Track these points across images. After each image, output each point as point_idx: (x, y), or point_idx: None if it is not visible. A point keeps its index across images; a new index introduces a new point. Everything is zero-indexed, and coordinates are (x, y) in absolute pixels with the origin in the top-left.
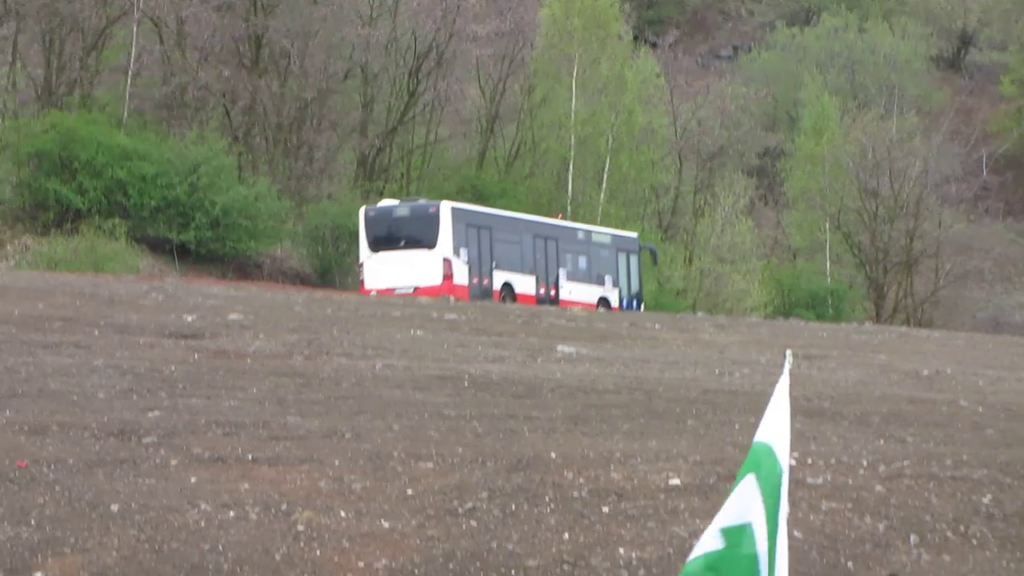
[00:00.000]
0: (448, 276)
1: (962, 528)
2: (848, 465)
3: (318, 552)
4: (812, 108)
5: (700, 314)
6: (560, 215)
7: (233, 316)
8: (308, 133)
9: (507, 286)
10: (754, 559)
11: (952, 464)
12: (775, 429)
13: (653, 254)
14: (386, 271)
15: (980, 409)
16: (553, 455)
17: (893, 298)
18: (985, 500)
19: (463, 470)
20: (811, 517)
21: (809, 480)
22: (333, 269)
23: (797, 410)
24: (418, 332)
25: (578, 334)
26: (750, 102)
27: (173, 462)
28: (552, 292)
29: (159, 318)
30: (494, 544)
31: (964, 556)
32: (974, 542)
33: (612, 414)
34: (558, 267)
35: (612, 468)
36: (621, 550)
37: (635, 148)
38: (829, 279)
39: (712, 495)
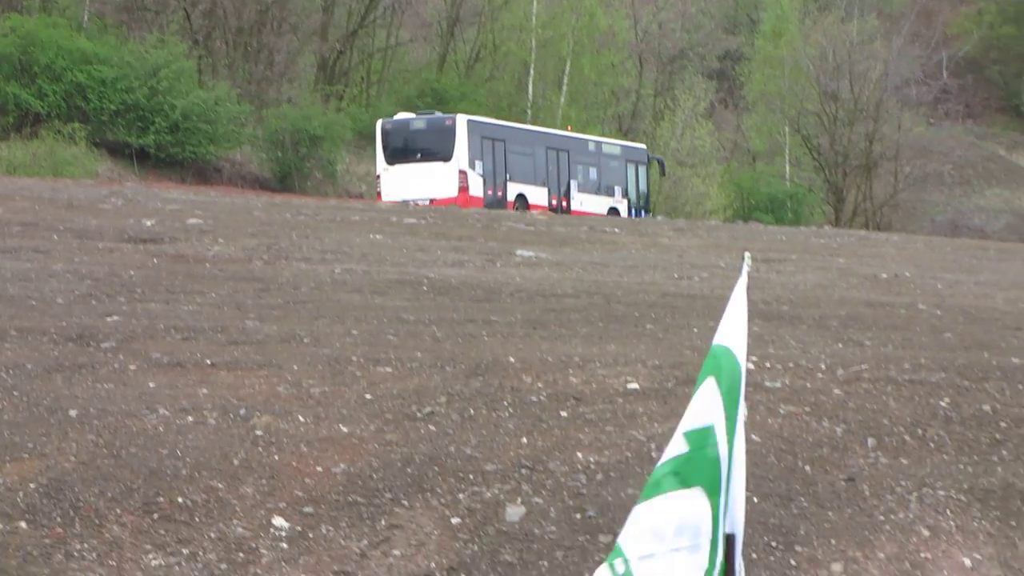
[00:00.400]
0: (464, 188)
1: (920, 431)
2: (806, 369)
3: (276, 457)
4: (772, 10)
5: (659, 218)
6: (569, 127)
7: (192, 221)
8: (268, 36)
9: (520, 197)
10: (716, 461)
11: (910, 367)
12: (733, 332)
13: (661, 165)
14: (402, 183)
15: (938, 312)
16: (512, 359)
17: (852, 201)
18: (943, 403)
19: (422, 375)
20: (769, 421)
21: (767, 383)
22: (293, 173)
23: (755, 314)
24: (377, 236)
25: (537, 238)
26: (711, 4)
27: (132, 367)
28: (564, 203)
29: (118, 223)
30: (452, 448)
31: (922, 459)
32: (932, 445)
33: (571, 318)
34: (569, 178)
35: (570, 372)
36: (579, 454)
37: (596, 51)
38: (788, 182)
39: (670, 399)
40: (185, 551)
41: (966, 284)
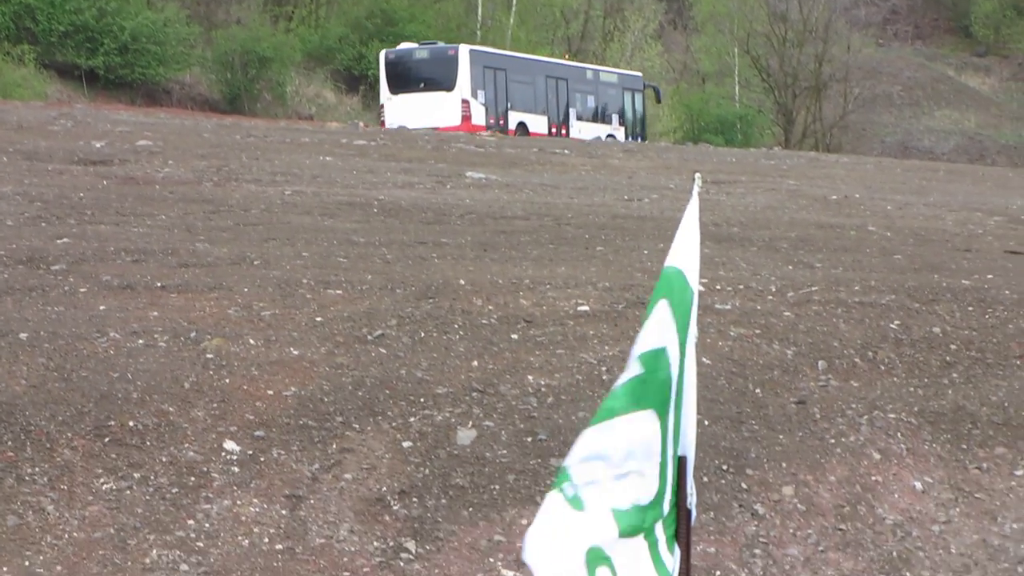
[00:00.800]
0: (467, 117)
1: (870, 354)
2: (757, 291)
3: (227, 379)
4: None
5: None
6: (567, 56)
7: (142, 142)
8: None
9: (521, 125)
10: (668, 382)
11: (860, 289)
12: (685, 254)
13: (657, 92)
14: (406, 113)
15: (888, 234)
16: (462, 282)
17: (802, 123)
18: (893, 325)
19: (372, 297)
20: (720, 343)
21: (718, 306)
22: (242, 95)
23: (705, 235)
24: (327, 158)
25: (487, 160)
26: None
27: (82, 289)
28: (563, 130)
29: (68, 145)
30: (403, 371)
31: (872, 382)
32: (882, 368)
33: (521, 240)
34: (568, 106)
35: (521, 295)
36: (530, 377)
37: None
38: (738, 104)
39: (621, 321)
40: (136, 475)
41: (916, 206)
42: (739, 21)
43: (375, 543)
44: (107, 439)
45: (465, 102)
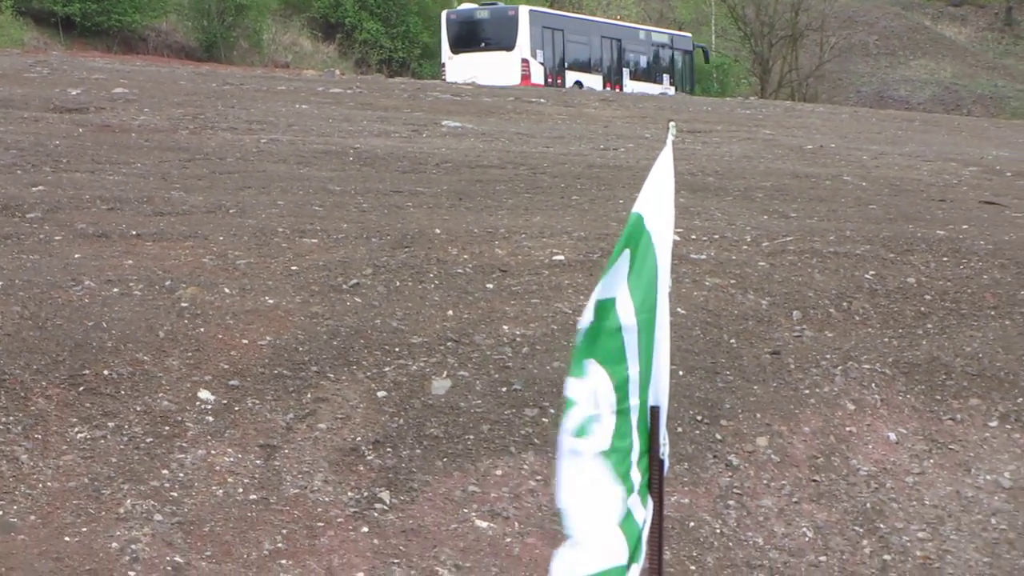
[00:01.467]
0: (526, 76)
1: (845, 304)
2: (732, 241)
3: (202, 329)
4: None
5: (586, 88)
6: (619, 17)
7: (118, 90)
8: None
9: (577, 84)
10: (616, 333)
11: (835, 239)
12: (656, 202)
13: (705, 53)
14: (467, 72)
15: (864, 184)
16: (438, 231)
17: (778, 72)
18: (868, 276)
19: (347, 246)
20: (695, 293)
21: (693, 256)
22: (218, 43)
23: (681, 185)
24: (303, 106)
25: (463, 108)
26: None
27: (57, 238)
28: (617, 89)
29: (44, 92)
30: (378, 321)
31: (847, 332)
32: (856, 318)
33: (497, 189)
34: (622, 66)
35: (496, 244)
36: (505, 327)
37: None
38: (714, 53)
39: (595, 270)
40: (111, 424)
41: (891, 155)
42: None
43: (349, 493)
44: (81, 388)
45: (525, 61)
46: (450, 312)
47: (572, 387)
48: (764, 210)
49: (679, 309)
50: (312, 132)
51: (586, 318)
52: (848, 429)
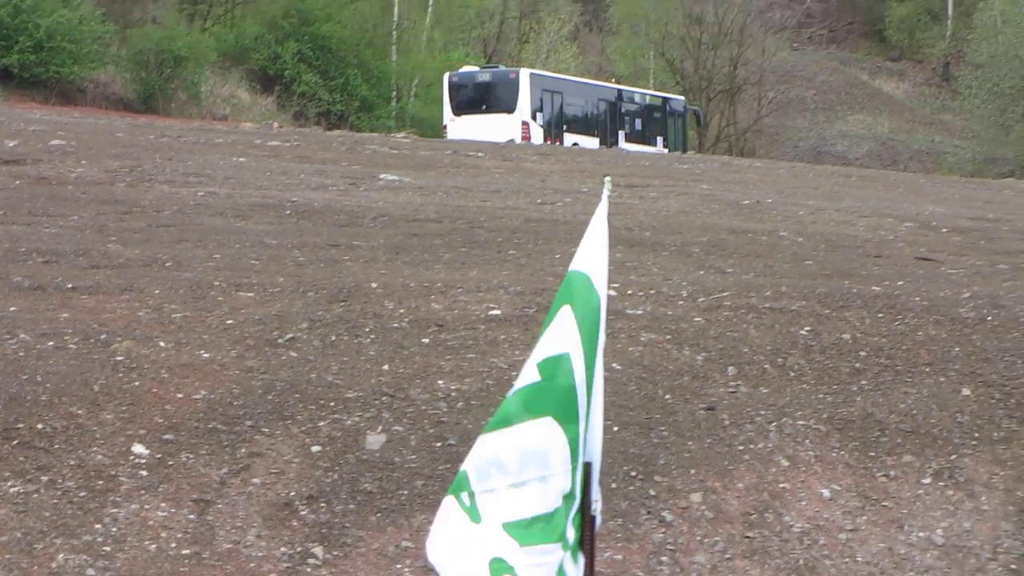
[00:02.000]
0: (526, 138)
1: (780, 360)
2: (668, 296)
3: (137, 382)
4: None
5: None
6: (611, 79)
7: (55, 142)
8: None
9: (575, 145)
10: (571, 389)
11: (771, 295)
12: (592, 258)
13: (697, 116)
14: (467, 133)
15: (800, 239)
16: (374, 285)
17: (716, 127)
18: (803, 331)
19: (284, 300)
20: (630, 348)
21: (629, 311)
22: (157, 95)
23: (618, 240)
24: (241, 159)
25: (401, 162)
26: None
27: None
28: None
29: None
30: (313, 375)
31: (781, 388)
32: (791, 374)
33: (434, 244)
34: (618, 128)
35: (433, 298)
36: (440, 381)
37: None
38: None
39: (532, 325)
40: (44, 478)
41: (828, 211)
42: (655, 23)
43: (282, 548)
44: (15, 441)
45: (525, 124)
46: (385, 367)
47: (490, 447)
48: (700, 265)
49: (614, 364)
50: (250, 185)
51: (529, 377)
52: (782, 485)
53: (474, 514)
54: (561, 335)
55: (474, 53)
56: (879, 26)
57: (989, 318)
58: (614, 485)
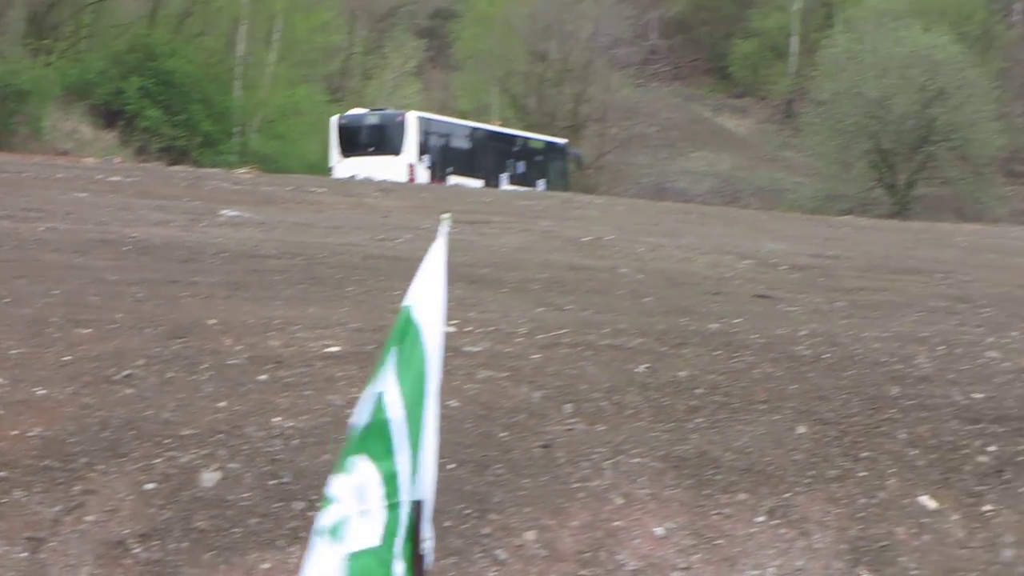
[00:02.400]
0: (412, 180)
1: (617, 397)
2: (506, 333)
3: None
4: None
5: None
6: (499, 122)
7: None
8: None
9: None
10: (385, 426)
11: (610, 332)
12: (424, 295)
13: (578, 159)
14: (354, 175)
15: (640, 276)
16: (213, 321)
17: None
18: (640, 369)
19: (121, 336)
20: (467, 386)
21: (467, 348)
22: None
23: (457, 276)
24: (82, 194)
25: (242, 197)
26: None
27: None
28: None
29: None
30: (149, 412)
31: (618, 425)
32: (628, 411)
33: (273, 280)
34: (500, 171)
35: (271, 335)
36: (277, 418)
37: (307, 9)
38: None
39: (369, 362)
40: None
41: (668, 248)
42: (500, 59)
43: None
44: None
45: (411, 166)
46: (222, 404)
47: (336, 485)
48: (539, 302)
49: (451, 402)
50: (90, 221)
51: (362, 415)
52: (616, 523)
53: (336, 533)
54: (381, 373)
55: (319, 90)
56: (723, 63)
57: (826, 356)
58: (448, 523)
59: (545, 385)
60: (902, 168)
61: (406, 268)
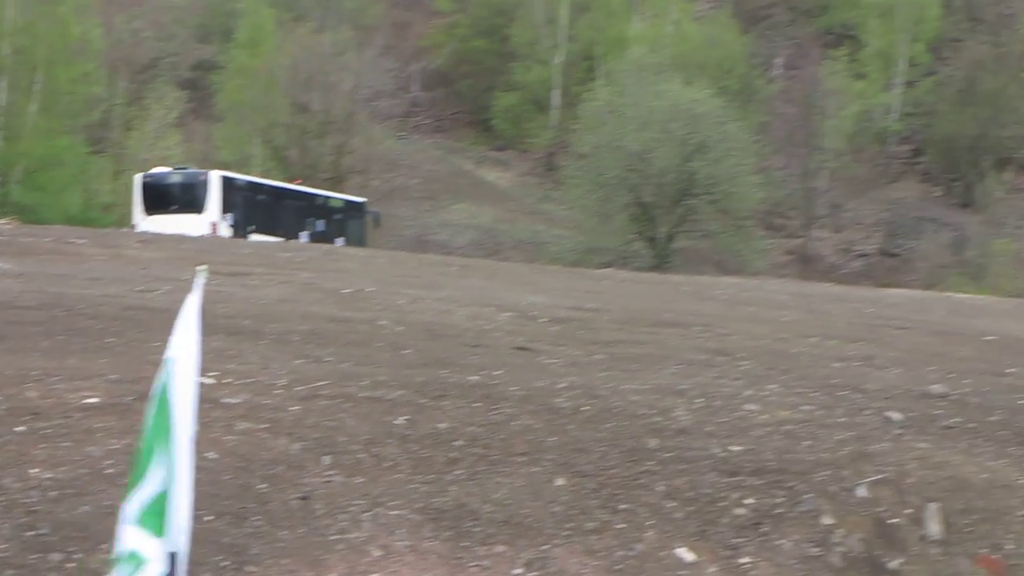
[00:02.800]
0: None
1: (376, 449)
2: (265, 384)
3: None
4: (248, 20)
5: (125, 229)
6: (299, 180)
7: None
8: None
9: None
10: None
11: (369, 384)
12: (183, 347)
13: (376, 217)
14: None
15: (400, 328)
16: None
17: None
18: (399, 421)
19: None
20: (225, 438)
21: (225, 400)
22: None
23: (217, 328)
24: None
25: (1, 248)
26: (186, 13)
27: None
28: None
29: None
30: None
31: (377, 478)
32: (387, 463)
33: (32, 331)
34: (301, 228)
35: (29, 386)
36: (34, 470)
37: (69, 60)
38: None
39: (128, 414)
40: None
41: (428, 300)
42: (261, 111)
43: None
44: None
45: (214, 224)
46: None
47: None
48: (299, 354)
49: (209, 454)
50: None
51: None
52: (374, 575)
53: None
54: (146, 422)
55: (80, 140)
56: (485, 116)
57: (585, 408)
58: (206, 575)
59: (304, 437)
60: (663, 221)
61: (165, 319)
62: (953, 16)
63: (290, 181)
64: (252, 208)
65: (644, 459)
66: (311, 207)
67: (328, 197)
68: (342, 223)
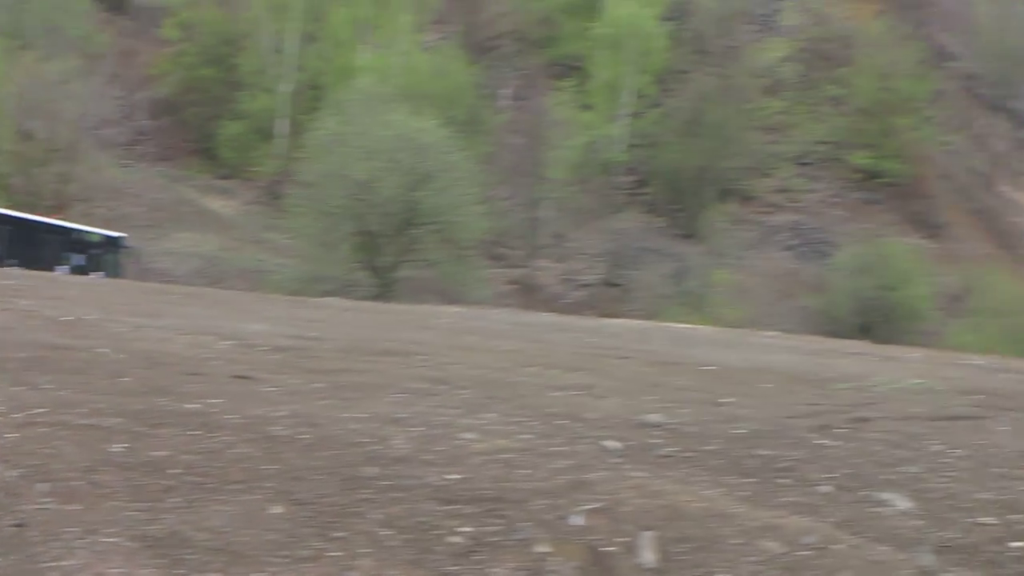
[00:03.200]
0: None
1: (93, 477)
2: None
3: None
4: None
5: None
6: (59, 216)
7: None
8: None
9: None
10: None
11: (87, 412)
12: None
13: (133, 251)
14: None
15: (121, 356)
16: None
17: None
18: (118, 448)
19: None
20: None
21: None
22: None
23: None
24: None
25: None
26: None
27: None
28: None
29: None
30: None
31: (93, 505)
32: (104, 491)
33: None
34: (60, 262)
35: None
36: None
37: None
38: None
39: None
40: None
41: (149, 328)
42: None
43: None
44: None
45: None
46: None
47: None
48: (17, 381)
49: None
50: None
51: None
52: None
53: None
54: None
55: None
56: (209, 144)
57: (303, 436)
58: None
59: (20, 464)
60: (387, 250)
61: None
62: (680, 48)
63: (55, 217)
64: (11, 241)
65: (361, 487)
66: (69, 241)
67: (86, 231)
68: (100, 257)
